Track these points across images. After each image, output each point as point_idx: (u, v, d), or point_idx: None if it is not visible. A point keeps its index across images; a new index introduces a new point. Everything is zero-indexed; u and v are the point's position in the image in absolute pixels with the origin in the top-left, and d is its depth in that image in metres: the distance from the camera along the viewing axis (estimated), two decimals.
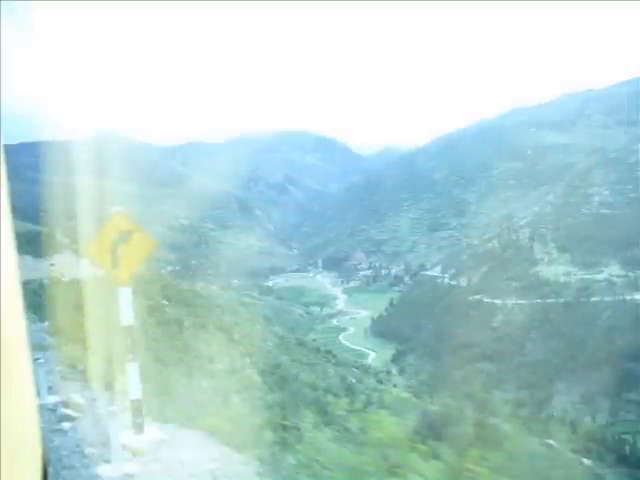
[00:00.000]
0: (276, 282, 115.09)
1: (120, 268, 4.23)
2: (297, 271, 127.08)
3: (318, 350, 30.46)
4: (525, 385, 52.68)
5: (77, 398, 5.13)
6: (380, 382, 27.02)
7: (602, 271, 68.76)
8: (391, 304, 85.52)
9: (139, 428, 4.16)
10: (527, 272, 72.72)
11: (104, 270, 4.48)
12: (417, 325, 72.83)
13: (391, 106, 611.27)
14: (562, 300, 65.05)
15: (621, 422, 46.17)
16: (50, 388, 5.37)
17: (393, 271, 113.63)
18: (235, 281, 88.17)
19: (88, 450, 3.99)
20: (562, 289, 67.47)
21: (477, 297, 70.93)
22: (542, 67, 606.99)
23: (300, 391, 12.69)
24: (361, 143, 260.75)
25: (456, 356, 53.21)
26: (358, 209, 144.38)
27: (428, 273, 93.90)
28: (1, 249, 0.97)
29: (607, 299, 62.85)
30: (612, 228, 73.70)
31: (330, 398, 12.77)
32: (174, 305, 17.85)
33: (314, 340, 48.80)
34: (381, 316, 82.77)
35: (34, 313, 9.48)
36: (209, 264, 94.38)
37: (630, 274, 65.77)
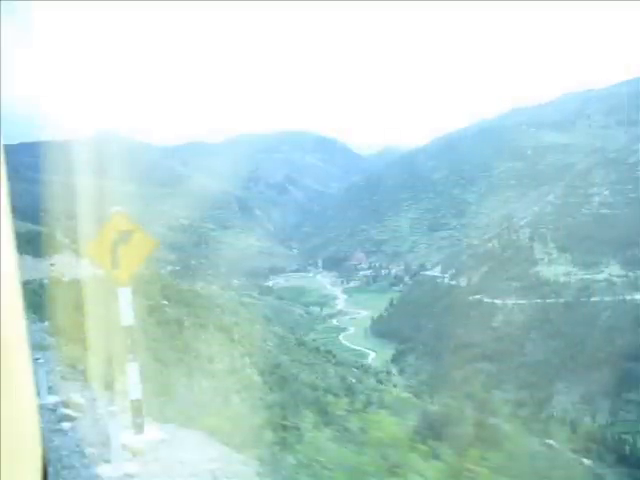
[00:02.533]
0: (276, 282, 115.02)
1: (120, 268, 4.22)
2: (297, 271, 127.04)
3: (318, 350, 30.49)
4: (525, 385, 52.66)
5: (77, 398, 5.13)
6: (380, 382, 27.02)
7: (602, 271, 68.74)
8: (391, 304, 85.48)
9: (139, 428, 4.15)
10: (527, 272, 72.69)
11: (104, 270, 4.48)
12: (417, 325, 72.80)
13: (391, 106, 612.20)
14: (562, 300, 65.02)
15: (621, 422, 46.16)
16: (50, 388, 5.36)
17: (393, 271, 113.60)
18: (235, 281, 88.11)
19: (88, 450, 3.99)
20: (562, 289, 67.44)
21: (477, 297, 70.90)
22: (542, 67, 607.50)
23: (300, 391, 12.69)
24: (361, 143, 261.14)
25: (456, 356, 53.23)
26: (358, 209, 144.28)
27: (428, 273, 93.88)
28: (1, 249, 0.97)
29: (607, 299, 62.82)
30: (612, 228, 73.67)
31: (330, 398, 12.77)
32: (174, 305, 17.85)
33: (314, 340, 48.80)
34: (381, 316, 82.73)
35: (34, 313, 9.47)
36: (209, 264, 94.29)
37: (630, 274, 65.74)
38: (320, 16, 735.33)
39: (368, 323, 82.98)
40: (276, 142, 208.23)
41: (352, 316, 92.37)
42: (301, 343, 30.61)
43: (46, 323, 9.17)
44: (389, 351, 69.11)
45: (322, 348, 33.20)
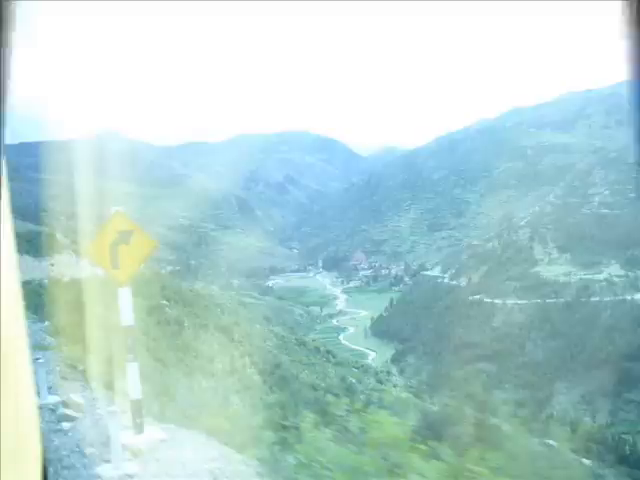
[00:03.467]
0: (276, 282, 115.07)
1: (120, 268, 4.22)
2: (297, 271, 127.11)
3: (318, 350, 30.52)
4: (525, 385, 52.67)
5: (77, 398, 5.12)
6: (380, 382, 27.04)
7: (602, 271, 68.77)
8: (391, 304, 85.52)
9: (139, 428, 4.15)
10: (527, 272, 72.72)
11: (104, 270, 4.48)
12: (417, 325, 72.83)
13: (391, 106, 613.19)
14: (562, 300, 65.05)
15: (621, 422, 46.15)
16: (50, 388, 5.35)
17: (393, 271, 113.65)
18: (235, 281, 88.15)
19: (88, 450, 3.98)
20: (562, 289, 67.47)
21: (477, 297, 70.93)
22: (542, 67, 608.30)
23: (300, 391, 12.69)
24: (361, 143, 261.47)
25: (456, 356, 53.20)
26: (358, 209, 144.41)
27: (428, 273, 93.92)
28: (1, 249, 0.97)
29: (607, 299, 62.84)
30: (612, 228, 73.70)
31: (330, 398, 12.76)
32: (174, 305, 17.84)
33: (314, 340, 48.78)
34: (381, 316, 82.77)
35: (34, 313, 9.46)
36: (209, 264, 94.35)
37: (630, 274, 65.76)
38: (321, 18, 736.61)
39: (368, 323, 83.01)
40: (276, 142, 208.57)
41: (352, 316, 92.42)
42: (301, 343, 30.64)
43: (46, 323, 9.16)
44: (389, 351, 69.15)
45: (322, 348, 33.20)
